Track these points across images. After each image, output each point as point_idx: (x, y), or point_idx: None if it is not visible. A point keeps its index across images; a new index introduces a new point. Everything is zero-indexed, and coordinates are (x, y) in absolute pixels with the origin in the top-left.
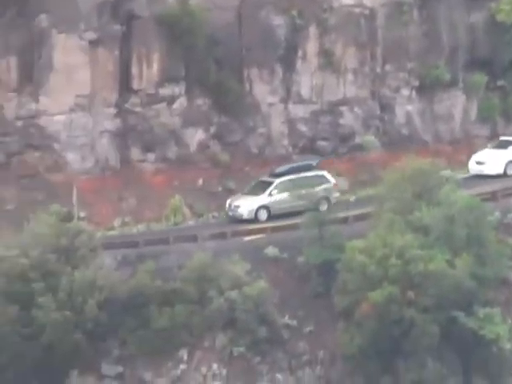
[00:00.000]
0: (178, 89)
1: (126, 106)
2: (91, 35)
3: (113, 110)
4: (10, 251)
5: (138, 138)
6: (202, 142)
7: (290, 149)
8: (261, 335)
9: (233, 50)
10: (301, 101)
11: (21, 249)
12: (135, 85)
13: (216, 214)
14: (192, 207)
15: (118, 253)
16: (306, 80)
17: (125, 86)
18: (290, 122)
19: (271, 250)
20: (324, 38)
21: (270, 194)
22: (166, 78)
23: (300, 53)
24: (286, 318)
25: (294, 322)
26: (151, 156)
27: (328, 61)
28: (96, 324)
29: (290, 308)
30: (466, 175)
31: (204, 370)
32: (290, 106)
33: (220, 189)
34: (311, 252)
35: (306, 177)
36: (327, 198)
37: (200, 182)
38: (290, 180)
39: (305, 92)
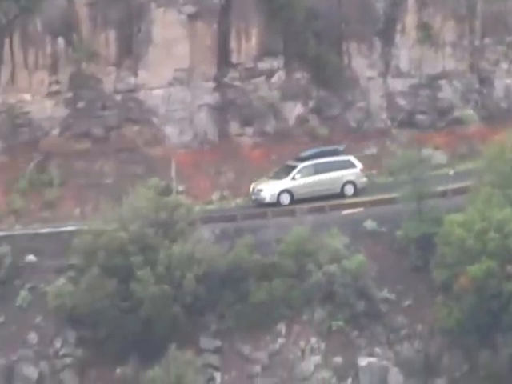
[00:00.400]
0: (277, 62)
1: (225, 79)
2: (190, 9)
3: (211, 84)
4: (109, 225)
5: (237, 111)
6: (300, 115)
7: (389, 122)
8: (359, 309)
9: (332, 24)
10: (399, 74)
11: (120, 223)
12: (234, 59)
13: None
14: None
15: (216, 226)
16: (405, 53)
17: (223, 59)
18: (389, 96)
19: (370, 224)
20: (423, 12)
21: (294, 178)
22: (265, 52)
23: (399, 26)
24: (385, 291)
25: (393, 296)
26: (249, 130)
27: (426, 34)
28: (194, 298)
29: (389, 282)
30: None
31: (302, 343)
32: (389, 79)
33: None
34: (410, 226)
35: (331, 161)
36: (353, 183)
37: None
38: (314, 164)
39: (403, 65)
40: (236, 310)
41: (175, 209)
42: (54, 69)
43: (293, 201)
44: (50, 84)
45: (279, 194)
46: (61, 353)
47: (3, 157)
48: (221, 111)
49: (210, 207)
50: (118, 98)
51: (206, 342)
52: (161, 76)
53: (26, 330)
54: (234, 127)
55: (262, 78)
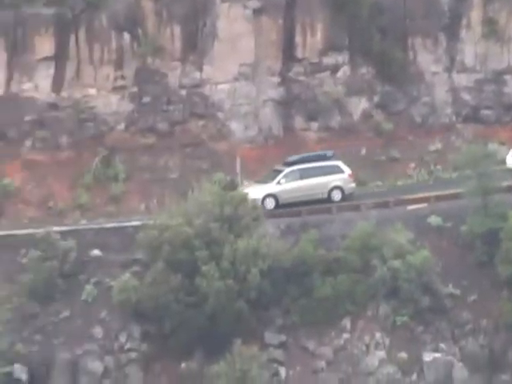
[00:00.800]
0: (342, 58)
1: (290, 74)
2: (255, 4)
3: (276, 79)
4: (173, 220)
5: (302, 106)
6: (365, 110)
7: (454, 118)
8: (424, 304)
9: (396, 19)
10: (464, 69)
11: (185, 217)
12: (299, 53)
13: (379, 182)
14: (355, 176)
15: (281, 221)
16: (470, 49)
17: (288, 54)
18: (454, 91)
19: (434, 219)
20: (488, 7)
21: (279, 183)
22: (330, 47)
23: (464, 21)
24: (450, 287)
25: (458, 291)
26: (314, 125)
27: (492, 29)
28: (259, 293)
29: (454, 277)
30: None
31: (367, 339)
32: (454, 74)
33: (383, 158)
34: (475, 221)
35: (318, 167)
36: (340, 188)
37: (363, 151)
38: (299, 169)
39: (468, 61)
40: (301, 304)
41: (240, 203)
42: (119, 64)
43: (278, 205)
44: (116, 79)
45: (264, 199)
46: (126, 347)
47: (69, 152)
48: (285, 106)
49: None
50: (183, 92)
51: (270, 337)
52: (226, 71)
53: (91, 324)
54: (298, 122)
55: (327, 73)
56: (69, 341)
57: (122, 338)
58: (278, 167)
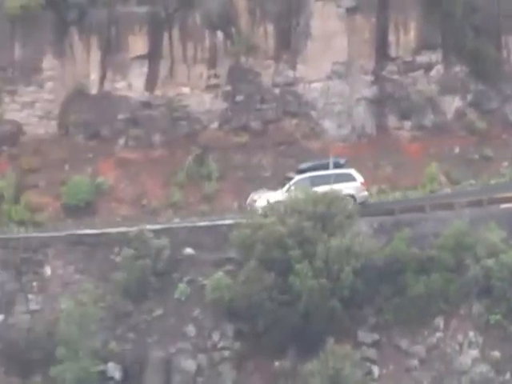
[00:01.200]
0: (435, 56)
1: (383, 73)
2: (349, 3)
3: (370, 78)
4: (266, 218)
5: (395, 105)
6: (458, 109)
7: None
8: None
9: (490, 17)
10: None
11: (278, 216)
12: (392, 52)
13: (473, 181)
14: (448, 175)
15: (374, 220)
16: None
17: (381, 53)
18: None
19: None
20: None
21: (288, 191)
22: (423, 46)
23: None
24: None
25: None
26: (407, 123)
27: None
28: (352, 291)
29: None
30: None
31: (460, 337)
32: None
33: (477, 156)
34: None
35: (329, 174)
36: (352, 196)
37: (456, 149)
38: (310, 177)
39: None
40: (394, 303)
41: (333, 202)
42: (212, 62)
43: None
44: (209, 77)
45: None
46: (219, 346)
47: (162, 150)
48: (379, 105)
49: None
50: (277, 91)
51: (363, 336)
52: (319, 69)
53: (184, 322)
54: (391, 121)
55: (421, 72)
56: (162, 339)
57: (215, 337)
58: (291, 174)
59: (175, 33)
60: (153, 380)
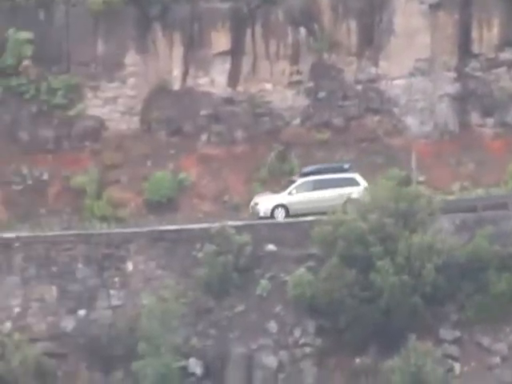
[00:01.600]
0: None
1: (466, 70)
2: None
3: (453, 74)
4: (348, 215)
5: (478, 102)
6: None
7: None
8: None
9: None
10: None
11: (359, 213)
12: (475, 49)
13: None
14: None
15: (456, 217)
16: None
17: (464, 49)
18: None
19: None
20: None
21: (290, 194)
22: (506, 42)
23: None
24: None
25: None
26: (490, 121)
27: None
28: (434, 288)
29: None
30: None
31: None
32: None
33: None
34: None
35: (332, 178)
36: None
37: None
38: (313, 180)
39: None
40: (476, 300)
41: (415, 199)
42: (295, 59)
43: (288, 216)
44: (291, 74)
45: (273, 209)
46: (300, 342)
47: (244, 146)
48: (461, 101)
49: (450, 198)
50: (359, 88)
51: (445, 333)
52: (402, 66)
53: (265, 319)
54: (474, 118)
55: (504, 69)
56: (244, 335)
57: (297, 333)
58: (294, 177)
59: (258, 29)
60: (234, 376)
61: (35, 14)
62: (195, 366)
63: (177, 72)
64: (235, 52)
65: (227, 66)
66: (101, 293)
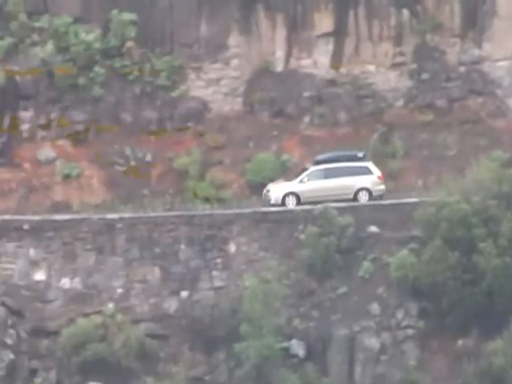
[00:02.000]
0: None
1: None
2: None
3: None
4: (451, 197)
5: None
6: None
7: None
8: None
9: None
10: None
11: (462, 194)
12: None
13: None
14: None
15: None
16: None
17: None
18: None
19: None
20: None
21: (302, 181)
22: None
23: None
24: None
25: None
26: None
27: None
28: None
29: None
30: None
31: None
32: None
33: None
34: None
35: (345, 167)
36: (368, 190)
37: None
38: (324, 168)
39: None
40: None
41: None
42: (398, 40)
43: (300, 204)
44: (394, 55)
45: (284, 197)
46: (402, 324)
47: (347, 128)
48: None
49: None
50: (462, 69)
51: None
52: (505, 48)
53: (368, 301)
54: None
55: None
56: (346, 317)
57: (399, 315)
58: (308, 165)
59: (361, 10)
60: (336, 358)
61: None
62: (297, 347)
63: (280, 53)
64: (338, 33)
65: (330, 47)
66: (203, 274)
